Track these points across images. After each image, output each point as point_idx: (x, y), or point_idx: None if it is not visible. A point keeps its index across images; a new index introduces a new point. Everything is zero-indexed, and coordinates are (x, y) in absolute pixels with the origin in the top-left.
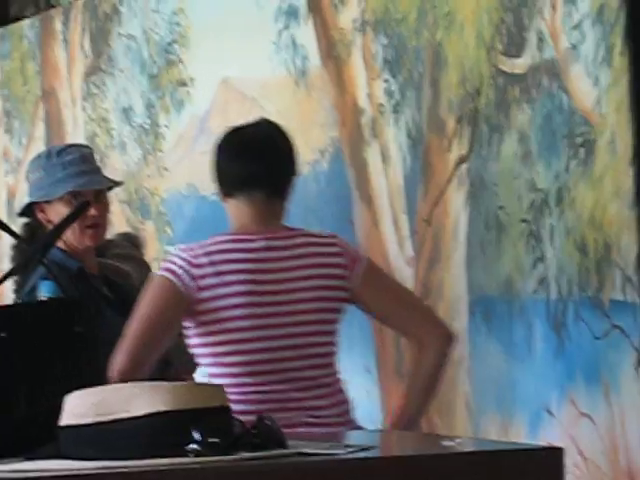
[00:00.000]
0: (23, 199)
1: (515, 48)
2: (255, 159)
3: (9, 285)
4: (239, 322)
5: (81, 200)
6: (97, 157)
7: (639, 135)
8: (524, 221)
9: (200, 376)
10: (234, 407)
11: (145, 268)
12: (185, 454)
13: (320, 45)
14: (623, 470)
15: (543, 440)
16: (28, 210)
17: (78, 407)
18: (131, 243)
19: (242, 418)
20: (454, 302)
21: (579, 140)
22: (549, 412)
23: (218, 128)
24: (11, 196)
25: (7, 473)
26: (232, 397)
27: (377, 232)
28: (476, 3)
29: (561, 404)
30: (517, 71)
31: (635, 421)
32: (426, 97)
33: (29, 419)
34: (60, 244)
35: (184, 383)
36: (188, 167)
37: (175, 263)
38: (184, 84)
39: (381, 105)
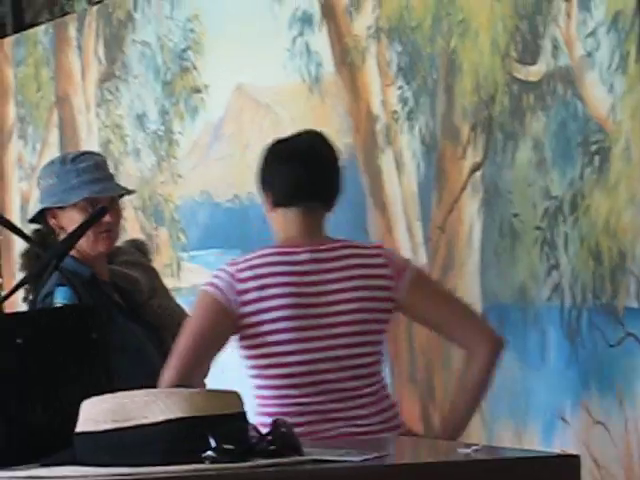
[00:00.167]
0: (37, 205)
1: (530, 55)
2: (310, 170)
3: (19, 293)
4: (282, 335)
5: (98, 207)
6: (111, 164)
7: None
8: (538, 228)
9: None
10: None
11: (153, 275)
12: (201, 461)
13: (334, 52)
14: (637, 478)
15: (557, 447)
16: (39, 216)
17: (94, 413)
18: (138, 250)
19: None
20: None
21: (594, 147)
22: (563, 419)
23: (232, 135)
24: (25, 202)
25: (23, 479)
26: (274, 409)
27: (391, 239)
28: (491, 10)
29: (575, 411)
30: (532, 78)
31: None
32: (440, 104)
33: (45, 425)
34: (73, 252)
35: (200, 390)
36: (202, 174)
37: (220, 278)
38: (198, 91)
39: (395, 112)
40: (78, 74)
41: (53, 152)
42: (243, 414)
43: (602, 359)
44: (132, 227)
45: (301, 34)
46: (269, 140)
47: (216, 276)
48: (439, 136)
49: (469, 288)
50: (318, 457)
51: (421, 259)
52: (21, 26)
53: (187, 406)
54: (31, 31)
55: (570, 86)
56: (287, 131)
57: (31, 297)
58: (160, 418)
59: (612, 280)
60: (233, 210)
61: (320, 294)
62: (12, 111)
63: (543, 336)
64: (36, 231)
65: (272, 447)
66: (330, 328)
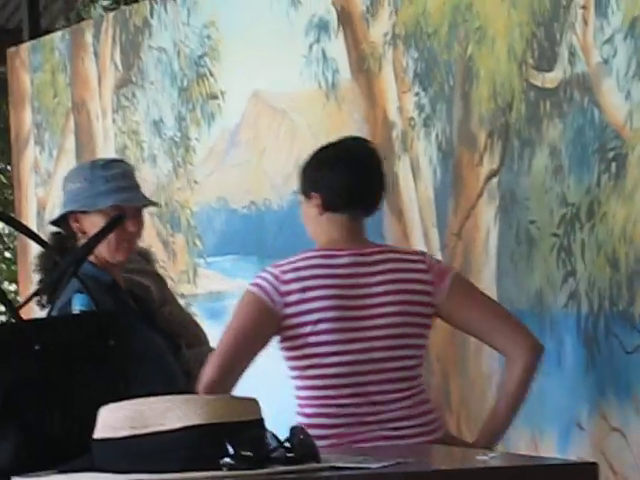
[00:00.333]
0: (53, 211)
1: (546, 62)
2: (362, 177)
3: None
4: (323, 336)
5: (114, 214)
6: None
7: None
8: (555, 235)
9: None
10: (315, 420)
11: (161, 282)
12: (219, 468)
13: (351, 58)
14: None
15: (573, 455)
16: (61, 219)
17: (112, 420)
18: (144, 258)
19: (323, 432)
20: None
21: (610, 154)
22: (579, 426)
23: (248, 141)
24: (41, 208)
25: None
26: (312, 410)
27: (407, 245)
28: (507, 17)
29: (592, 418)
30: (548, 85)
31: None
32: (457, 111)
33: (62, 432)
34: (92, 258)
35: (219, 396)
36: (218, 180)
37: (264, 279)
38: (215, 97)
39: (412, 119)
40: (94, 80)
41: (69, 158)
42: (261, 421)
43: (619, 366)
44: (148, 233)
45: (318, 40)
46: (285, 146)
47: (260, 277)
48: (456, 143)
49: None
50: (336, 464)
51: None
52: (37, 32)
53: (205, 413)
54: (47, 37)
55: (587, 93)
56: (304, 138)
57: (48, 303)
58: (178, 425)
59: (629, 287)
60: (249, 216)
61: (361, 297)
62: (29, 117)
63: (560, 343)
64: (55, 234)
65: (290, 454)
66: (370, 331)
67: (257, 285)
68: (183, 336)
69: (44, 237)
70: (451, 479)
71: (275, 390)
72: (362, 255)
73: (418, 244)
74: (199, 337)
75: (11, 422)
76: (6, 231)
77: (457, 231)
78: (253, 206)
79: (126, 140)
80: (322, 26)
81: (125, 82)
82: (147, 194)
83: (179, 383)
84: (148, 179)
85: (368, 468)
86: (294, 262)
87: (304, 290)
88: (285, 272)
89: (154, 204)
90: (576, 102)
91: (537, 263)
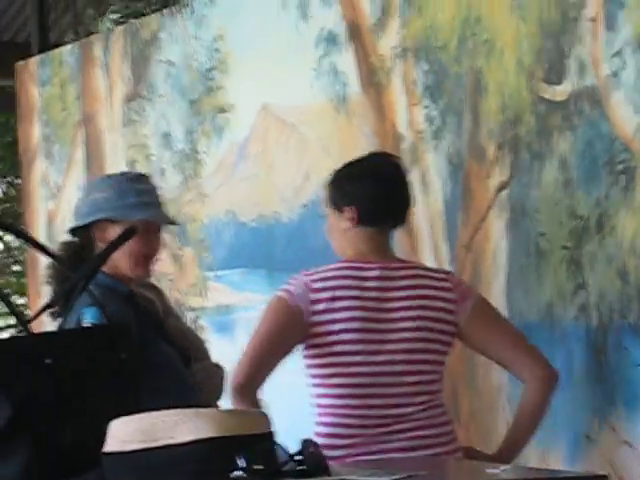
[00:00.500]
0: (63, 224)
1: (556, 75)
2: (397, 190)
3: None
4: (346, 346)
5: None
6: None
7: None
8: (565, 248)
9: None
10: (334, 430)
11: (161, 295)
12: None
13: (360, 72)
14: None
15: (582, 467)
16: (81, 227)
17: (123, 433)
18: None
19: (340, 441)
20: None
21: (620, 167)
22: (589, 438)
23: (257, 155)
24: (50, 221)
25: None
26: (332, 419)
27: (417, 258)
28: (516, 30)
29: (601, 431)
30: (558, 98)
31: None
32: (466, 123)
33: (73, 445)
34: (107, 270)
35: (229, 410)
36: (227, 193)
37: (294, 285)
38: (224, 110)
39: (421, 131)
40: (104, 94)
41: (78, 171)
42: (271, 434)
43: (628, 378)
44: None
45: (327, 54)
46: (294, 160)
47: (290, 284)
48: (465, 155)
49: (495, 307)
50: (346, 477)
51: None
52: (46, 46)
53: (216, 426)
54: (56, 51)
55: (596, 106)
56: (313, 151)
57: (59, 316)
58: (188, 438)
59: (639, 299)
60: (258, 230)
61: (385, 310)
62: (37, 131)
63: (569, 355)
64: (68, 243)
65: (301, 467)
66: (392, 344)
67: (286, 291)
68: (190, 349)
69: (54, 249)
70: None
71: (288, 402)
72: (390, 269)
73: (428, 256)
74: (203, 350)
75: (22, 435)
76: (15, 244)
77: (467, 243)
78: (262, 219)
79: (135, 153)
80: (331, 39)
81: (134, 95)
82: None
83: (195, 395)
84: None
85: None
86: (324, 272)
87: (333, 299)
88: (314, 281)
89: (174, 223)
90: (585, 115)
91: (547, 275)
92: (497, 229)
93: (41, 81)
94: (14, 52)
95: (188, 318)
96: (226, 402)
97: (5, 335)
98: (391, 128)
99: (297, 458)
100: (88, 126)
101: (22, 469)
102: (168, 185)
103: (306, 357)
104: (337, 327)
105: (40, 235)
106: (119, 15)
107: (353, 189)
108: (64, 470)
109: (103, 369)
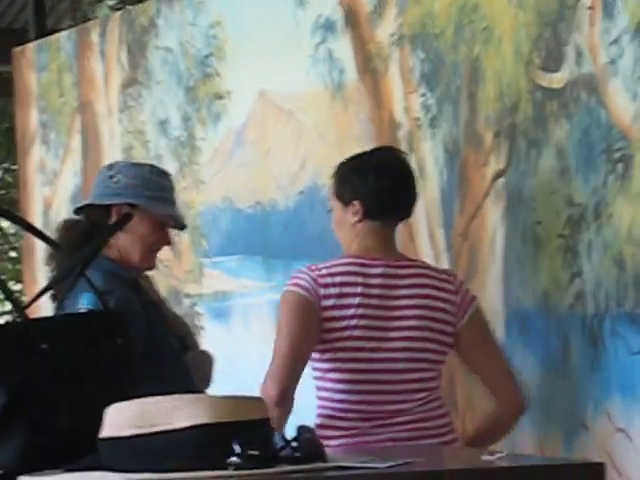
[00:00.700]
0: (59, 210)
1: (553, 63)
2: (404, 184)
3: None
4: (349, 342)
5: (125, 212)
6: None
7: None
8: (561, 236)
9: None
10: (333, 422)
11: (152, 284)
12: (225, 467)
13: (357, 59)
14: None
15: (578, 455)
16: (92, 207)
17: (119, 419)
18: None
19: (340, 432)
20: (490, 316)
21: (617, 155)
22: (585, 427)
23: (254, 141)
24: (47, 207)
25: None
26: (332, 412)
27: (413, 246)
28: (514, 18)
29: (597, 419)
30: (555, 86)
31: None
32: (463, 111)
33: (69, 431)
34: (113, 255)
35: (226, 396)
36: (224, 180)
37: (304, 280)
38: (221, 97)
39: (418, 119)
40: (101, 80)
41: (75, 158)
42: (268, 420)
43: (624, 366)
44: None
45: (324, 41)
46: (291, 146)
47: (298, 278)
48: (462, 143)
49: (491, 295)
50: (342, 464)
51: (443, 266)
52: (43, 32)
53: (212, 412)
54: (53, 37)
55: (593, 93)
56: (309, 138)
57: (56, 301)
58: (185, 424)
59: (635, 287)
60: (255, 216)
61: (388, 308)
62: (34, 117)
63: (565, 343)
64: (74, 222)
65: (297, 453)
66: (394, 341)
67: (298, 285)
68: (186, 337)
69: (53, 230)
70: (459, 479)
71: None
72: (394, 267)
73: (424, 245)
74: (193, 339)
75: (18, 421)
76: (11, 230)
77: (463, 231)
78: (259, 206)
79: (132, 140)
80: (328, 26)
81: (131, 82)
82: None
83: (194, 383)
84: None
85: (375, 468)
86: (329, 267)
87: (340, 296)
88: (323, 276)
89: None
90: (582, 103)
91: (543, 264)
92: (493, 217)
93: (38, 67)
94: (11, 38)
95: (184, 305)
96: (215, 390)
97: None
98: (387, 116)
99: (293, 444)
100: (85, 112)
101: (18, 454)
102: None
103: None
104: (344, 324)
105: (36, 221)
106: (116, 1)
107: (359, 183)
108: (60, 456)
109: (99, 354)
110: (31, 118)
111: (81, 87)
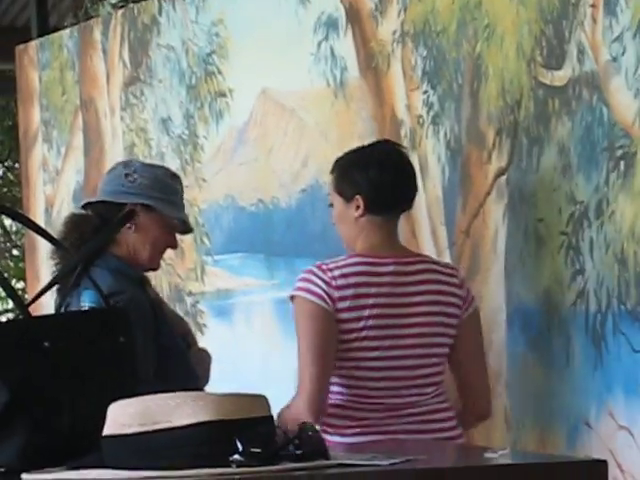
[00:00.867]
0: (61, 208)
1: (555, 60)
2: (405, 177)
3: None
4: (364, 342)
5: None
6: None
7: None
8: (563, 234)
9: None
10: (348, 412)
11: (148, 283)
12: (228, 464)
13: (359, 56)
14: None
15: (581, 453)
16: (94, 203)
17: (121, 417)
18: None
19: (352, 423)
20: (492, 314)
21: (619, 153)
22: (587, 425)
23: (257, 139)
24: (49, 205)
25: None
26: (344, 403)
27: (415, 243)
28: (516, 15)
29: (599, 417)
30: (557, 83)
31: None
32: (465, 109)
33: (72, 428)
34: (120, 253)
35: (228, 393)
36: (226, 178)
37: (315, 284)
38: (223, 95)
39: (420, 117)
40: (103, 78)
41: (77, 156)
42: (270, 418)
43: (627, 364)
44: None
45: (326, 38)
46: (293, 144)
47: (308, 281)
48: (464, 141)
49: (494, 293)
50: (345, 461)
51: None
52: (46, 30)
53: (214, 410)
54: (56, 35)
55: (595, 91)
56: (312, 136)
57: (59, 299)
58: (187, 422)
59: (637, 285)
60: (257, 214)
61: (399, 306)
62: (37, 115)
63: (568, 341)
64: (84, 216)
65: (299, 451)
66: (405, 339)
67: (311, 292)
68: (188, 335)
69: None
70: (460, 477)
71: (286, 388)
72: (403, 264)
73: (426, 242)
74: (194, 338)
75: (20, 419)
76: (14, 228)
77: (465, 229)
78: (261, 204)
79: (134, 138)
80: (331, 24)
81: (133, 80)
82: None
83: (197, 381)
84: None
85: (377, 465)
86: (341, 267)
87: (355, 297)
88: (335, 278)
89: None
90: (585, 100)
91: (545, 261)
92: (496, 215)
93: (41, 65)
94: (14, 36)
95: (187, 303)
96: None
97: (3, 319)
98: (390, 113)
99: (295, 441)
100: (87, 110)
101: (19, 452)
102: None
103: None
104: (360, 324)
105: (38, 219)
106: None
107: (361, 178)
108: (62, 454)
109: (101, 352)
110: (33, 116)
111: (83, 85)
